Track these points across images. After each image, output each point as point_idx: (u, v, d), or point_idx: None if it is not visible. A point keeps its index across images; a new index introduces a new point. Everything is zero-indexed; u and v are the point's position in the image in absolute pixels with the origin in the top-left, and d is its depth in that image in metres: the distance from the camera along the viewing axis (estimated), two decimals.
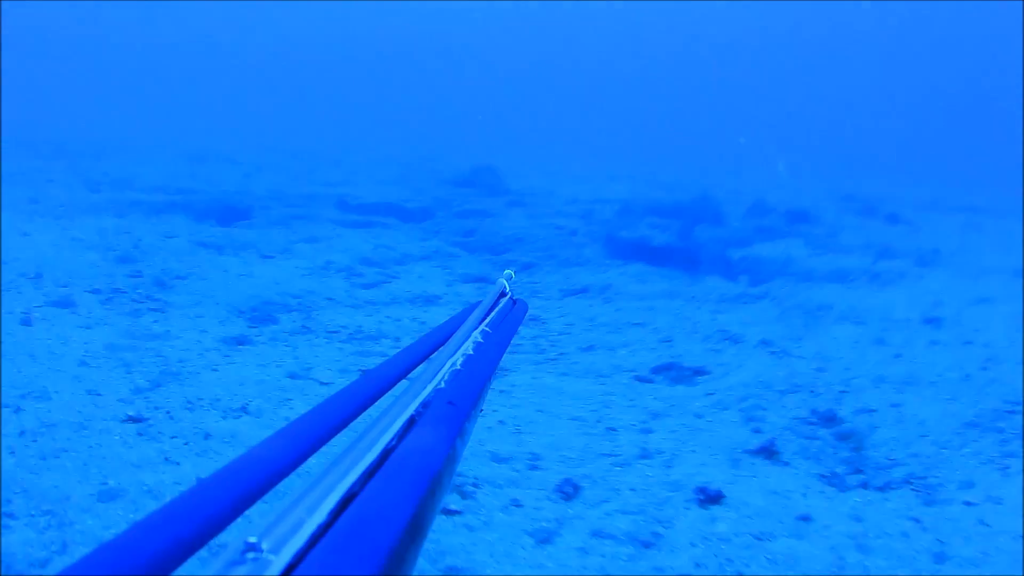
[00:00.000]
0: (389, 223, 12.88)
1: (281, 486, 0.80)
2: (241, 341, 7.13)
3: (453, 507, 4.31)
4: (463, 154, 30.46)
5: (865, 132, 61.16)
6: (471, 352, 1.26)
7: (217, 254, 10.46)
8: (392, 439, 0.90)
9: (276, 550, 0.62)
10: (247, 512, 0.73)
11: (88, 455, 4.58)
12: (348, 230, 12.20)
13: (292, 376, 6.25)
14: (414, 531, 0.78)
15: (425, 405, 1.01)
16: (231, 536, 0.64)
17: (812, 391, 6.32)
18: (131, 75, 64.01)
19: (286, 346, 7.11)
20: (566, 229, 13.20)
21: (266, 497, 0.77)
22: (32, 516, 3.92)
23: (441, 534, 4.05)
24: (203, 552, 0.67)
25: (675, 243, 12.78)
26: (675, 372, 6.76)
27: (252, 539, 0.62)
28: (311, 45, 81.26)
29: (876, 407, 6.03)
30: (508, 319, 1.58)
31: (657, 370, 6.81)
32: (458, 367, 1.18)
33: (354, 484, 0.78)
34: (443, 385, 1.09)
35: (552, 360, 7.02)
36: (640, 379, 6.57)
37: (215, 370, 6.27)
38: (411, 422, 0.96)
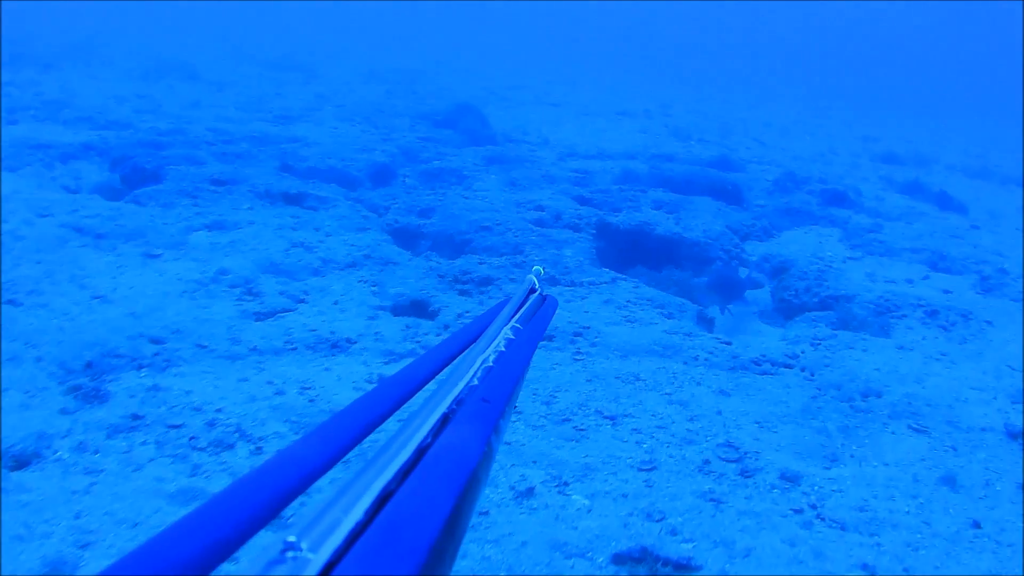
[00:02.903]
0: (327, 197, 10.32)
1: (317, 485, 0.78)
2: (25, 459, 4.89)
3: None
4: (464, 73, 27.71)
5: (905, 69, 58.13)
6: (503, 349, 1.24)
7: (91, 248, 8.14)
8: (427, 437, 0.89)
9: (315, 549, 0.63)
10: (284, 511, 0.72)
11: None
12: (269, 209, 9.70)
13: None
14: (452, 528, 0.79)
15: (459, 402, 1.01)
16: (270, 535, 0.64)
17: None
18: None
19: (84, 473, 4.85)
20: (549, 211, 10.68)
21: (303, 496, 0.75)
22: None
23: None
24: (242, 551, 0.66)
25: (682, 233, 10.36)
26: (648, 567, 4.42)
27: (291, 538, 0.63)
28: None
29: None
30: (538, 315, 1.55)
31: (621, 561, 4.46)
32: (490, 364, 1.16)
33: (390, 482, 0.77)
34: (476, 382, 1.08)
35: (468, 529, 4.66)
36: None
37: None
38: (445, 419, 0.96)
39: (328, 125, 15.33)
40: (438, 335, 7.11)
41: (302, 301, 7.48)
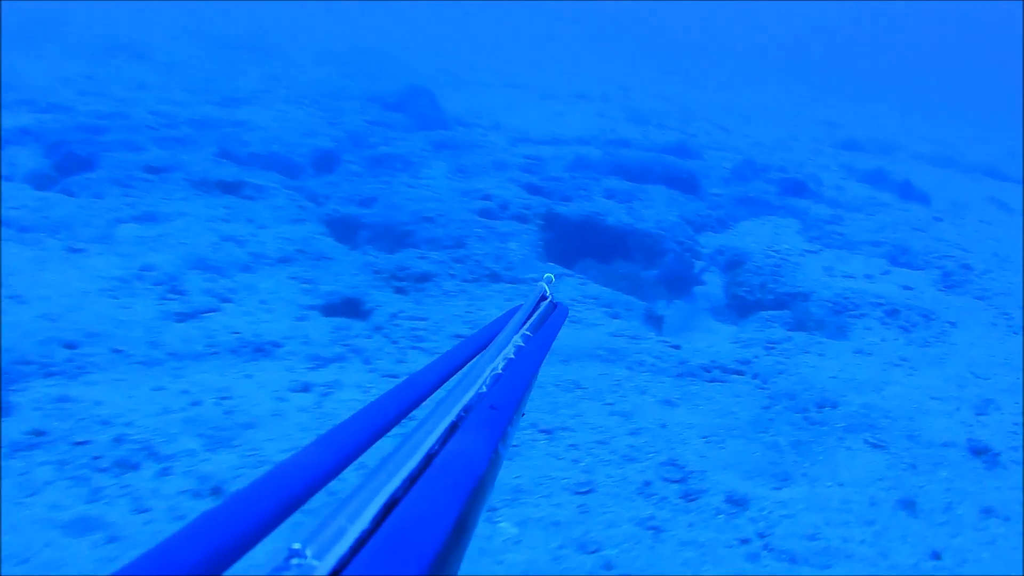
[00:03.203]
0: (265, 186, 9.82)
1: (324, 492, 0.77)
2: None
3: None
4: (424, 54, 27.12)
5: (866, 52, 58.07)
6: (512, 356, 1.22)
7: (13, 242, 7.64)
8: (435, 444, 0.89)
9: (320, 556, 0.62)
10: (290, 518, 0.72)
11: None
12: (203, 198, 9.19)
13: None
14: (458, 535, 0.77)
15: (467, 410, 1.00)
16: (275, 542, 0.63)
17: None
18: None
19: None
20: (496, 200, 10.25)
21: (309, 503, 0.75)
22: None
23: None
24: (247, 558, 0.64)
25: (634, 224, 9.99)
26: None
27: (296, 545, 0.62)
28: None
29: None
30: (548, 323, 1.53)
31: None
32: (499, 371, 1.14)
33: (397, 489, 0.77)
34: (485, 389, 1.07)
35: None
36: None
37: None
38: (453, 427, 0.94)
39: (275, 108, 14.76)
40: (369, 337, 6.72)
41: (228, 300, 7.04)
